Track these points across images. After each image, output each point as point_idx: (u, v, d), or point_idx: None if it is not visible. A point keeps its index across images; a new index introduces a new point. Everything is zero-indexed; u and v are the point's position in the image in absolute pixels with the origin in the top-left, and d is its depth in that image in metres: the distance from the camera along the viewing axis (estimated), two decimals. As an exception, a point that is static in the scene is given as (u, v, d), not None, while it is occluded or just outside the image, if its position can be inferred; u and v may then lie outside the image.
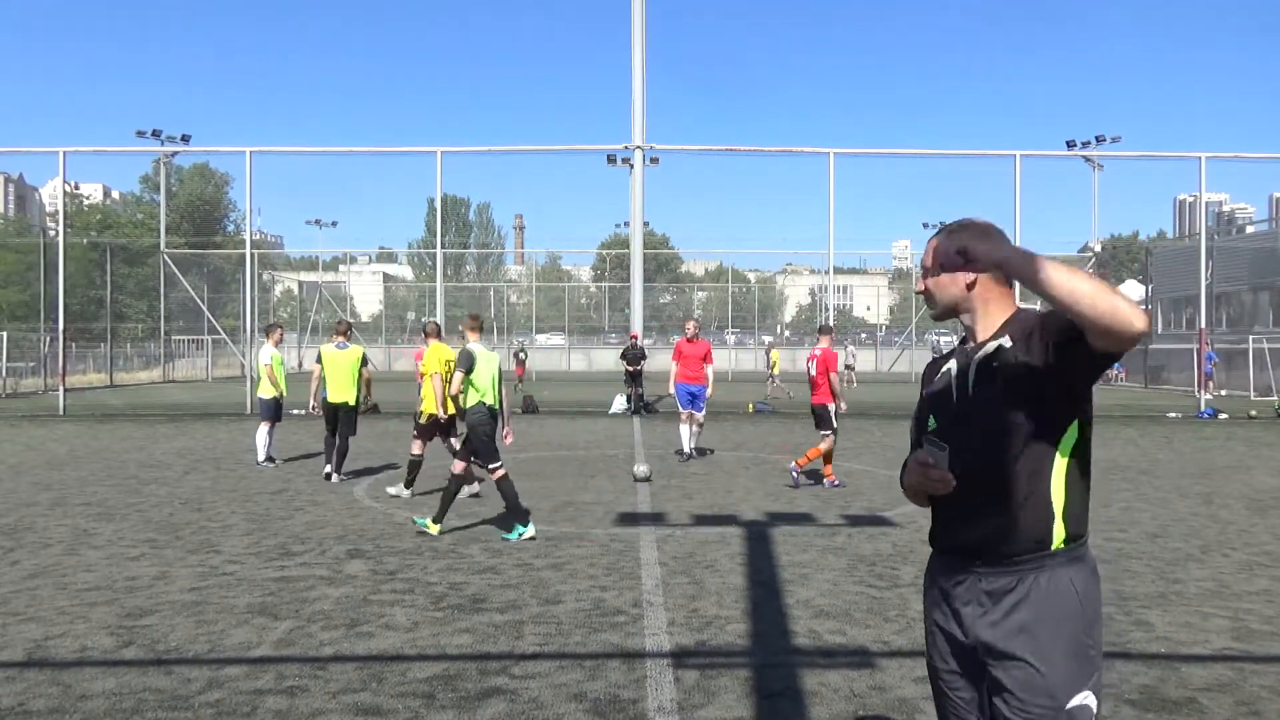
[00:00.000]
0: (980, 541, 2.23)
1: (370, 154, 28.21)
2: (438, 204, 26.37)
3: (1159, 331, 42.57)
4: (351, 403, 11.60)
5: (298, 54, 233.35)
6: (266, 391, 12.95)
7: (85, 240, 44.52)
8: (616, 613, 5.76)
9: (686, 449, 13.59)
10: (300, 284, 59.06)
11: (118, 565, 6.97)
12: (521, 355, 29.27)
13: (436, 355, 9.87)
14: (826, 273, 29.46)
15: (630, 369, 22.36)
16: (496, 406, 8.43)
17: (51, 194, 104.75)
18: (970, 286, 2.35)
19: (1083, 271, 2.01)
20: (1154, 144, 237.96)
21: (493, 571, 6.82)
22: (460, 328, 9.11)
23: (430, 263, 72.97)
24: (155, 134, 35.79)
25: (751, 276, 76.89)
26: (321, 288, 55.94)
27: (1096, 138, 36.38)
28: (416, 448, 10.22)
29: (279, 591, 6.24)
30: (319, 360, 11.85)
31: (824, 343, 11.61)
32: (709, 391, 13.60)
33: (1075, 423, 2.20)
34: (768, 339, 42.23)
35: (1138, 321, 1.94)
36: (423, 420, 10.14)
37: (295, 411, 18.03)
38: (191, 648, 5.07)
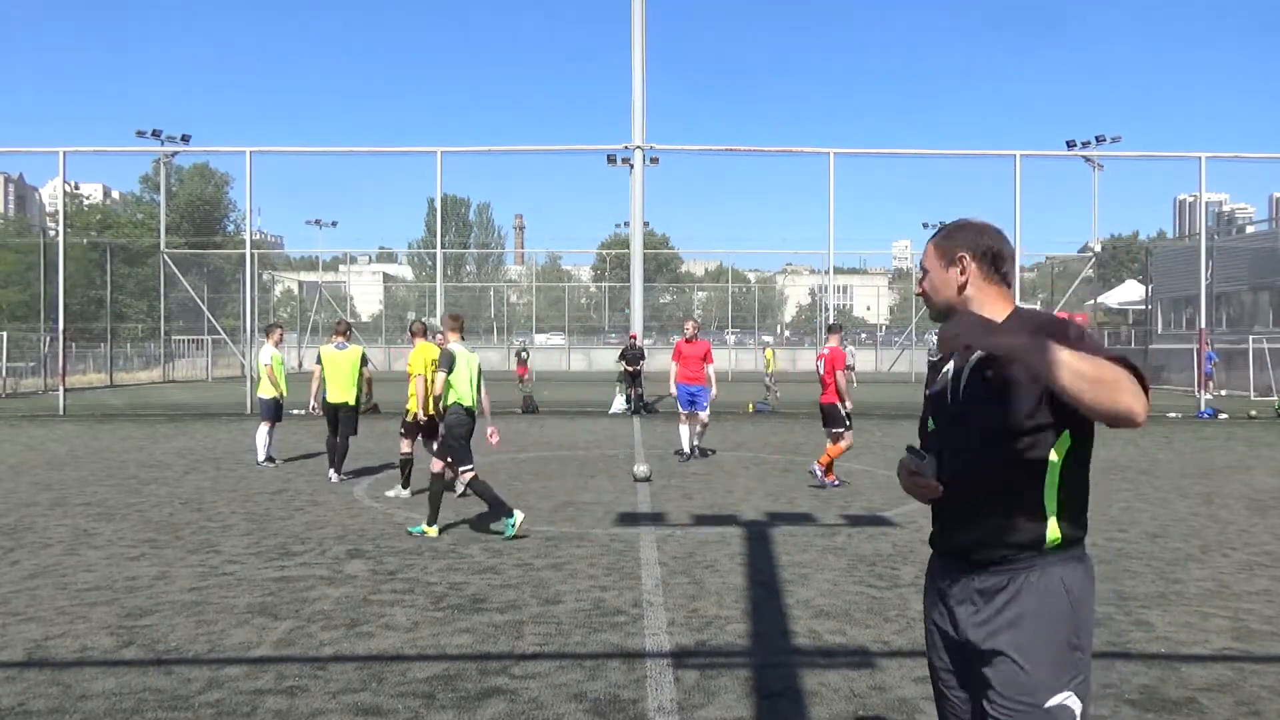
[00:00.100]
0: (975, 542, 2.24)
1: (370, 154, 28.22)
2: (438, 204, 26.39)
3: (1159, 331, 42.58)
4: (351, 402, 11.60)
5: (298, 54, 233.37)
6: (266, 391, 12.96)
7: (85, 240, 44.52)
8: (616, 613, 5.76)
9: (686, 449, 13.58)
10: (300, 284, 59.03)
11: (118, 565, 6.97)
12: (523, 355, 29.28)
13: (421, 355, 9.76)
14: (826, 273, 29.47)
15: (630, 369, 22.37)
16: (475, 408, 8.45)
17: (51, 194, 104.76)
18: (962, 289, 2.36)
19: (1089, 359, 1.95)
20: (1154, 144, 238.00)
21: (493, 571, 6.82)
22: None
23: (430, 263, 72.97)
24: (155, 134, 35.78)
25: (751, 276, 76.89)
26: (321, 288, 55.92)
27: (1096, 138, 36.37)
28: (405, 446, 10.23)
29: (279, 591, 6.24)
30: (319, 361, 11.85)
31: (833, 341, 11.53)
32: (713, 392, 13.56)
33: (1067, 429, 2.19)
34: (768, 339, 42.24)
35: (1139, 417, 1.93)
36: (409, 419, 10.12)
37: (295, 412, 18.04)
38: (191, 648, 5.07)
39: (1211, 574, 6.83)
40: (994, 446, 2.21)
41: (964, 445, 2.27)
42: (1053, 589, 2.16)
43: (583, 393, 29.43)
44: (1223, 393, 29.35)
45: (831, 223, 23.70)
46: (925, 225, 63.64)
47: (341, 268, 64.15)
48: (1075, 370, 1.93)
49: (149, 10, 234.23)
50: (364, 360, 11.95)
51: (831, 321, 12.59)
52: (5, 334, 30.40)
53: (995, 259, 2.36)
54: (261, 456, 12.70)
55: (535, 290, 67.13)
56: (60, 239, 31.74)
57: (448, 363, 8.30)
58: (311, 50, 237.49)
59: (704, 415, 13.51)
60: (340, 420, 11.52)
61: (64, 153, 22.91)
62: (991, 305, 2.35)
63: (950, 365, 2.39)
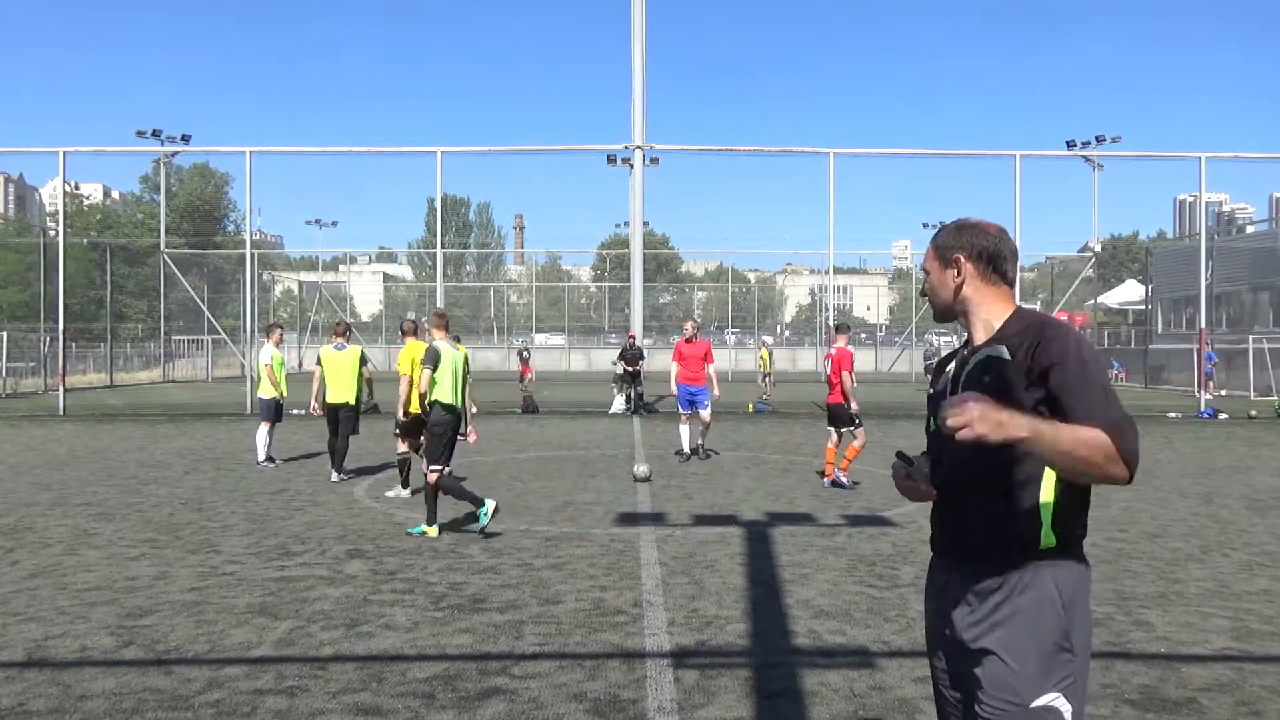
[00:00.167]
0: (970, 543, 2.25)
1: (370, 154, 28.17)
2: (438, 204, 26.35)
3: (1159, 331, 42.58)
4: (352, 402, 11.60)
5: (298, 54, 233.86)
6: (266, 392, 12.96)
7: (85, 240, 44.53)
8: (616, 613, 5.76)
9: (686, 449, 13.57)
10: (300, 284, 59.03)
11: (118, 565, 6.97)
12: (525, 354, 29.31)
13: (410, 354, 9.69)
14: (826, 273, 29.47)
15: (629, 369, 22.37)
16: (458, 405, 8.45)
17: (51, 194, 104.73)
18: (959, 290, 2.35)
19: (1078, 441, 1.99)
20: (1154, 144, 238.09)
21: (493, 571, 6.82)
22: (426, 325, 9.11)
23: (430, 263, 72.95)
24: (155, 134, 35.78)
25: (751, 276, 76.89)
26: (321, 288, 55.91)
27: (1096, 138, 36.37)
28: (401, 446, 10.24)
29: (279, 591, 6.24)
30: (318, 363, 11.86)
31: (840, 341, 11.49)
32: (715, 392, 13.53)
33: None
34: (767, 339, 42.25)
35: (1120, 480, 2.04)
36: (402, 419, 10.12)
37: (295, 412, 18.03)
38: (191, 648, 5.07)
39: (1211, 574, 6.83)
40: (990, 450, 2.17)
41: (961, 447, 2.25)
42: (1044, 590, 2.15)
43: (583, 393, 29.43)
44: (1223, 393, 29.34)
45: (831, 223, 23.73)
46: (925, 225, 63.66)
47: (341, 268, 64.14)
48: (1067, 458, 2.02)
49: (149, 10, 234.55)
50: (363, 360, 11.96)
51: (839, 322, 12.51)
52: (5, 334, 30.39)
53: (993, 259, 2.33)
54: (261, 456, 12.70)
55: (535, 290, 67.13)
56: (60, 239, 31.74)
57: (433, 359, 8.31)
58: (311, 51, 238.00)
59: (705, 415, 13.49)
60: (340, 420, 11.52)
61: (64, 153, 22.90)
62: (989, 306, 2.33)
63: (952, 365, 2.38)
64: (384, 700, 4.32)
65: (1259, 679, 4.65)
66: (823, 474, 11.06)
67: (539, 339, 57.82)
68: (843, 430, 11.13)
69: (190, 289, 31.00)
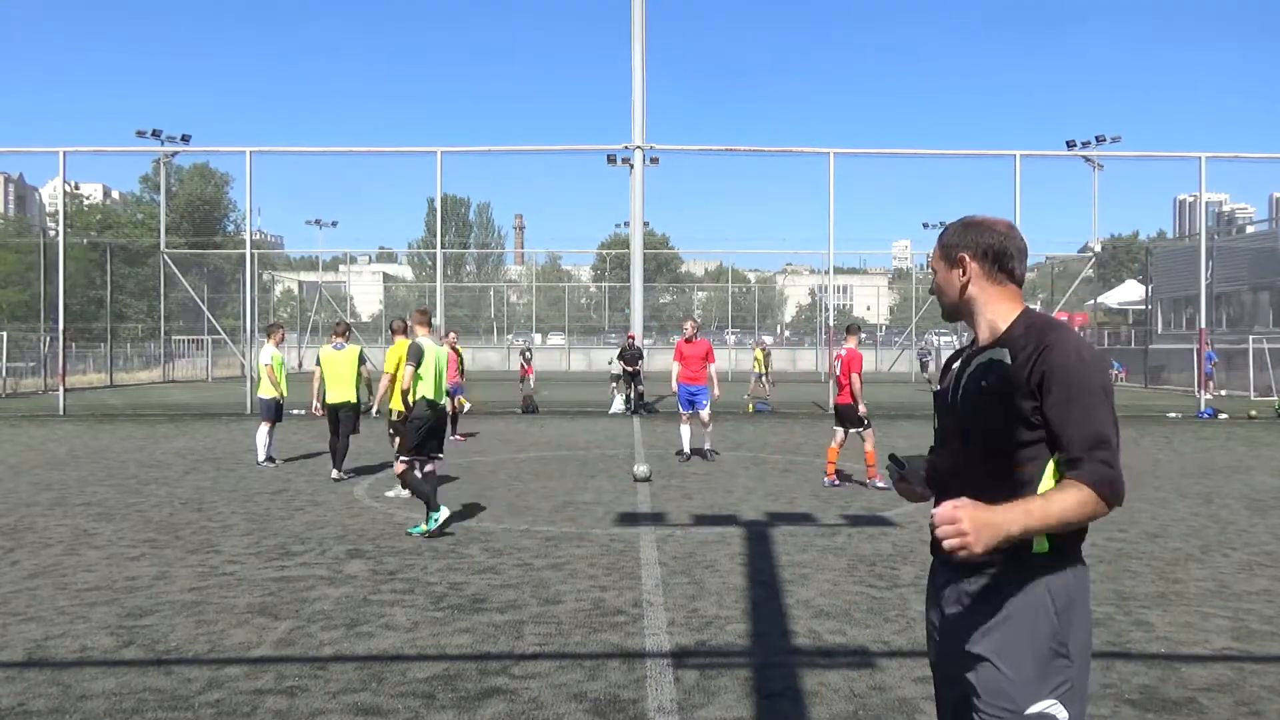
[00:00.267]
0: None
1: (370, 154, 28.17)
2: (438, 204, 26.36)
3: (1159, 331, 42.57)
4: (352, 400, 11.61)
5: (298, 55, 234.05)
6: (267, 392, 12.96)
7: (85, 240, 44.53)
8: (616, 613, 5.76)
9: (686, 449, 13.56)
10: (300, 284, 59.00)
11: (118, 565, 6.97)
12: (527, 355, 29.37)
13: (397, 352, 9.68)
14: (826, 273, 29.46)
15: (629, 369, 22.37)
16: (440, 401, 8.48)
17: (51, 194, 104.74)
18: (964, 289, 2.31)
19: (1062, 509, 2.03)
20: (1154, 144, 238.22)
21: (493, 571, 6.82)
22: (408, 322, 9.12)
23: (430, 263, 72.97)
24: (155, 134, 35.76)
25: (751, 276, 76.91)
26: (321, 288, 55.88)
27: (1096, 138, 36.35)
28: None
29: (279, 591, 6.24)
30: (318, 363, 11.88)
31: (851, 343, 11.41)
32: (715, 392, 13.51)
33: None
34: (767, 339, 42.14)
35: (1108, 512, 2.08)
36: (394, 419, 10.13)
37: (295, 412, 18.03)
38: (191, 648, 5.07)
39: (1211, 574, 6.83)
40: (986, 454, 2.18)
41: (960, 449, 2.26)
42: (1036, 595, 2.12)
43: (583, 393, 29.43)
44: (1223, 393, 29.34)
45: (831, 223, 23.72)
46: (925, 225, 63.69)
47: (341, 268, 64.13)
48: (1060, 526, 2.06)
49: (149, 10, 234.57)
50: (361, 359, 11.97)
51: (850, 323, 12.43)
52: (5, 334, 30.39)
53: (999, 258, 2.28)
54: (261, 456, 12.70)
55: (535, 290, 67.12)
56: (60, 239, 31.74)
57: (415, 356, 8.35)
58: (312, 51, 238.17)
59: (704, 415, 13.47)
60: (341, 419, 11.54)
61: (64, 153, 22.91)
62: (995, 306, 2.29)
63: (958, 364, 2.36)
64: (384, 700, 4.32)
65: (1259, 679, 4.65)
66: (824, 474, 11.05)
67: (536, 338, 57.79)
68: (850, 431, 11.09)
69: (190, 289, 30.99)
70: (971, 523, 1.97)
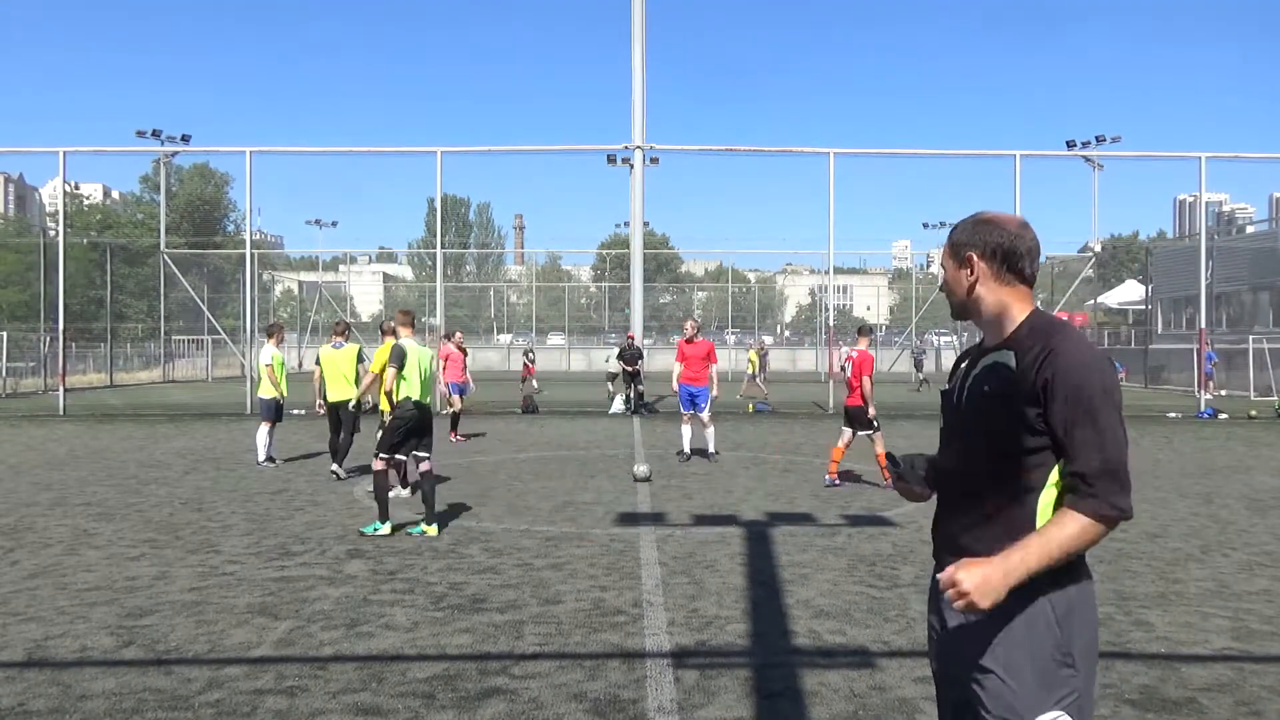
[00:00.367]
0: (966, 547, 2.17)
1: (370, 154, 28.17)
2: (438, 204, 26.35)
3: (1159, 331, 42.57)
4: (354, 399, 11.62)
5: (298, 55, 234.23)
6: (267, 392, 12.96)
7: (85, 240, 44.51)
8: (616, 613, 5.76)
9: (687, 449, 13.55)
10: (300, 284, 59.02)
11: (118, 565, 6.97)
12: (530, 355, 29.43)
13: (384, 353, 9.64)
14: (826, 273, 29.45)
15: (629, 369, 22.37)
16: (425, 401, 8.50)
17: (51, 194, 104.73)
18: (972, 289, 2.26)
19: (1064, 542, 2.01)
20: (1154, 144, 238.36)
21: (493, 571, 6.82)
22: (392, 323, 9.13)
23: (430, 263, 72.96)
24: (155, 134, 35.78)
25: (751, 276, 76.90)
26: (321, 288, 55.90)
27: (1096, 138, 36.37)
28: None
29: (279, 591, 6.24)
30: (318, 363, 11.90)
31: (862, 344, 11.32)
32: (714, 392, 13.48)
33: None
34: (768, 339, 42.14)
35: (1112, 528, 2.05)
36: (386, 419, 10.14)
37: (295, 412, 18.03)
38: (191, 648, 5.07)
39: (1211, 574, 6.83)
40: (989, 457, 2.14)
41: (963, 452, 2.23)
42: (1036, 604, 2.07)
43: (583, 393, 29.42)
44: (1223, 393, 29.34)
45: (831, 223, 23.73)
46: (925, 225, 63.70)
47: (341, 268, 64.17)
48: (1068, 556, 2.03)
49: (149, 10, 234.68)
50: (360, 358, 11.99)
51: (861, 324, 12.36)
52: (5, 334, 30.39)
53: (1008, 257, 2.21)
54: (261, 456, 12.70)
55: (535, 290, 67.12)
56: (60, 239, 31.74)
57: (398, 358, 8.38)
58: (312, 51, 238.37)
59: (705, 415, 13.45)
60: (341, 418, 11.56)
61: (64, 153, 22.90)
62: (1003, 307, 2.22)
63: (965, 364, 2.31)
64: (384, 700, 4.32)
65: (1259, 679, 4.65)
66: (826, 472, 11.04)
67: (535, 338, 57.76)
68: (859, 433, 11.07)
69: (190, 289, 31.01)
70: (972, 582, 1.98)
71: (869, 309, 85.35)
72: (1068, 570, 2.09)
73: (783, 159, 29.07)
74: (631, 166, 23.47)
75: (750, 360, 30.30)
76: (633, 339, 23.17)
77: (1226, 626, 5.53)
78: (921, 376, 34.81)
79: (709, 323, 59.27)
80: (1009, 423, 2.10)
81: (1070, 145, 35.13)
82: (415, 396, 8.41)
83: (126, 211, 65.72)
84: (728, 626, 5.50)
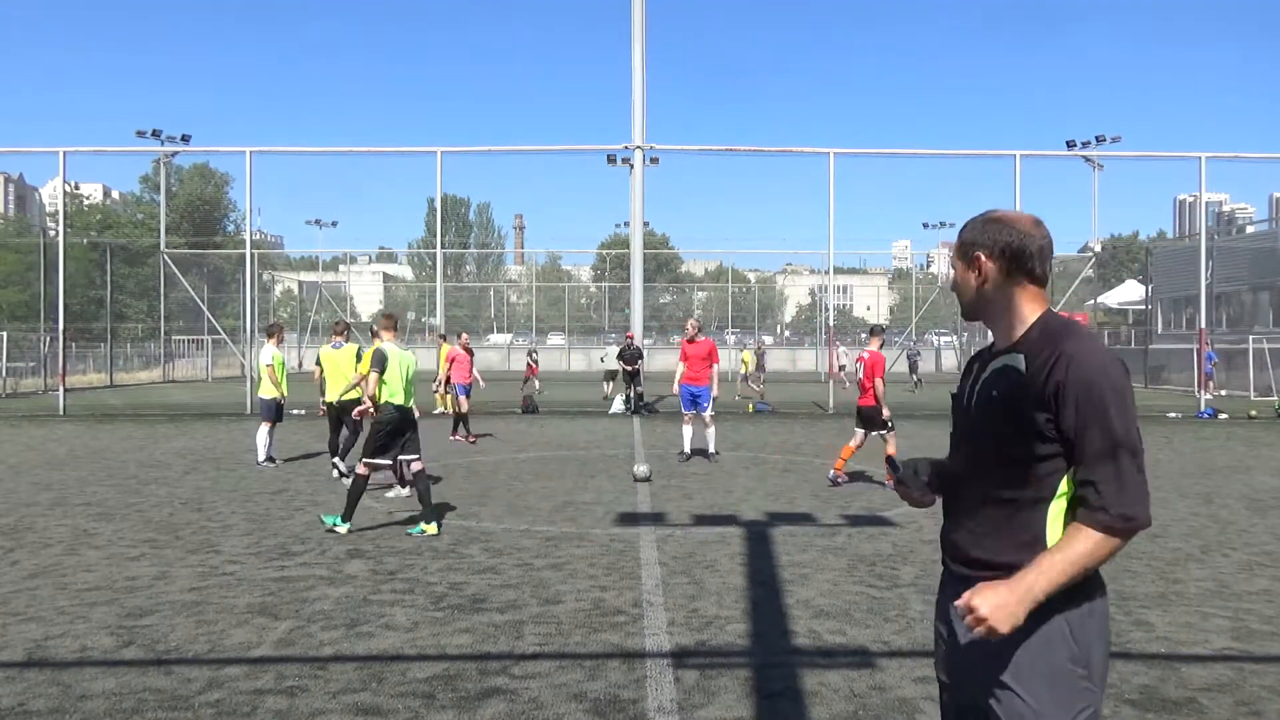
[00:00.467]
0: (973, 557, 2.14)
1: (370, 154, 28.17)
2: (438, 204, 26.37)
3: (1159, 331, 42.57)
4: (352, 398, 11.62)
5: (298, 55, 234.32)
6: (267, 392, 12.96)
7: (85, 240, 44.53)
8: (616, 613, 5.76)
9: (687, 450, 13.54)
10: (300, 284, 59.03)
11: (118, 565, 6.97)
12: (534, 356, 29.50)
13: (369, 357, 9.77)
14: (826, 273, 29.44)
15: (628, 368, 22.37)
16: (407, 405, 8.50)
17: (51, 194, 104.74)
18: (980, 290, 2.20)
19: (1080, 558, 1.96)
20: (1154, 144, 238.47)
21: (493, 571, 6.82)
22: (374, 327, 9.14)
23: (430, 263, 72.97)
24: (155, 134, 35.78)
25: (751, 276, 76.88)
26: (321, 288, 55.90)
27: (1096, 138, 36.37)
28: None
29: (279, 591, 6.24)
30: (318, 363, 11.91)
31: (873, 345, 11.23)
32: (713, 392, 13.47)
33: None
34: (768, 339, 42.27)
35: (1130, 537, 1.99)
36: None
37: (296, 412, 18.03)
38: (191, 648, 5.07)
39: (1211, 574, 6.83)
40: (999, 462, 2.09)
41: (972, 456, 2.18)
42: (1050, 617, 2.00)
43: (583, 393, 29.43)
44: (1223, 393, 29.33)
45: (831, 223, 23.73)
46: (925, 225, 63.71)
47: (341, 268, 64.16)
48: (1085, 571, 1.99)
49: (149, 10, 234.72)
50: (358, 356, 11.98)
51: (873, 325, 12.30)
52: (5, 334, 30.39)
53: (1017, 257, 2.14)
54: (261, 456, 12.70)
55: (535, 290, 67.12)
56: (60, 239, 31.73)
57: (379, 363, 8.40)
58: (312, 51, 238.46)
59: (706, 415, 13.43)
60: (342, 418, 11.55)
61: (64, 153, 22.91)
62: (1013, 308, 2.17)
63: (976, 367, 2.26)
64: (384, 700, 4.32)
65: (1259, 679, 4.65)
66: (834, 469, 11.02)
67: (534, 338, 57.76)
68: (871, 433, 11.06)
69: (190, 289, 30.99)
70: (990, 608, 1.93)
71: (869, 309, 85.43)
72: (1083, 586, 2.02)
73: (783, 159, 29.07)
74: (631, 166, 23.46)
75: (744, 360, 30.32)
76: (632, 339, 23.17)
77: (1226, 626, 5.53)
78: (916, 378, 34.77)
79: (709, 323, 59.25)
80: (1018, 428, 2.04)
81: (1070, 145, 35.14)
82: (396, 401, 8.43)
83: (126, 211, 65.74)
84: (728, 626, 5.50)
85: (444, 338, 21.56)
